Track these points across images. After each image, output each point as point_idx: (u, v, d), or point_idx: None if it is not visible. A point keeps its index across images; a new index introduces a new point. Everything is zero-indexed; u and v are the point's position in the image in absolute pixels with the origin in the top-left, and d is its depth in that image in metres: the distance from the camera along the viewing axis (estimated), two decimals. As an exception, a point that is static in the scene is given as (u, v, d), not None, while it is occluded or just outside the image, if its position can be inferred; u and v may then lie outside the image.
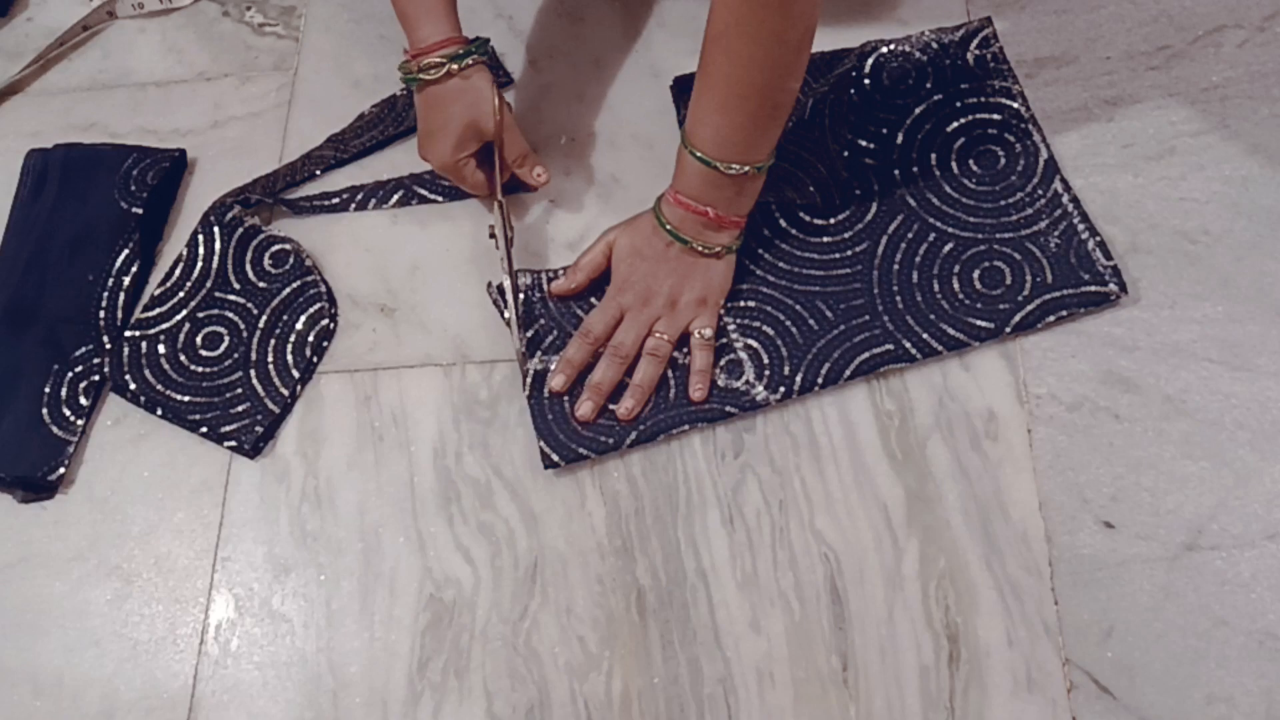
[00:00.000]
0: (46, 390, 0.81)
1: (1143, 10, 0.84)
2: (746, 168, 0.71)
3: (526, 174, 0.80)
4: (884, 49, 0.81)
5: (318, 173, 0.88)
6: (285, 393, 0.79)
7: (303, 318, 0.82)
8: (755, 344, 0.75)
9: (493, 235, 0.80)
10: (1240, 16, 0.82)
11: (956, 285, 0.75)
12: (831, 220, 0.79)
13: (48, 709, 0.72)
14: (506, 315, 0.78)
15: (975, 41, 0.82)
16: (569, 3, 0.94)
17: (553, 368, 0.76)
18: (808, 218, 0.79)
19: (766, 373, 0.74)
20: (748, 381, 0.74)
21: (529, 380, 0.76)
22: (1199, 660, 0.63)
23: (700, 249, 0.74)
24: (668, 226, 0.74)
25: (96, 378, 0.82)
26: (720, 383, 0.74)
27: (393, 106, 0.90)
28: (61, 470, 0.79)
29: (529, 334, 0.78)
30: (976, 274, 0.75)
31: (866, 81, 0.81)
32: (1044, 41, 0.84)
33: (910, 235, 0.77)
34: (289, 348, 0.81)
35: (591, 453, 0.73)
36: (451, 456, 0.76)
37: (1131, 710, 0.63)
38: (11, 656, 0.74)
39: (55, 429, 0.80)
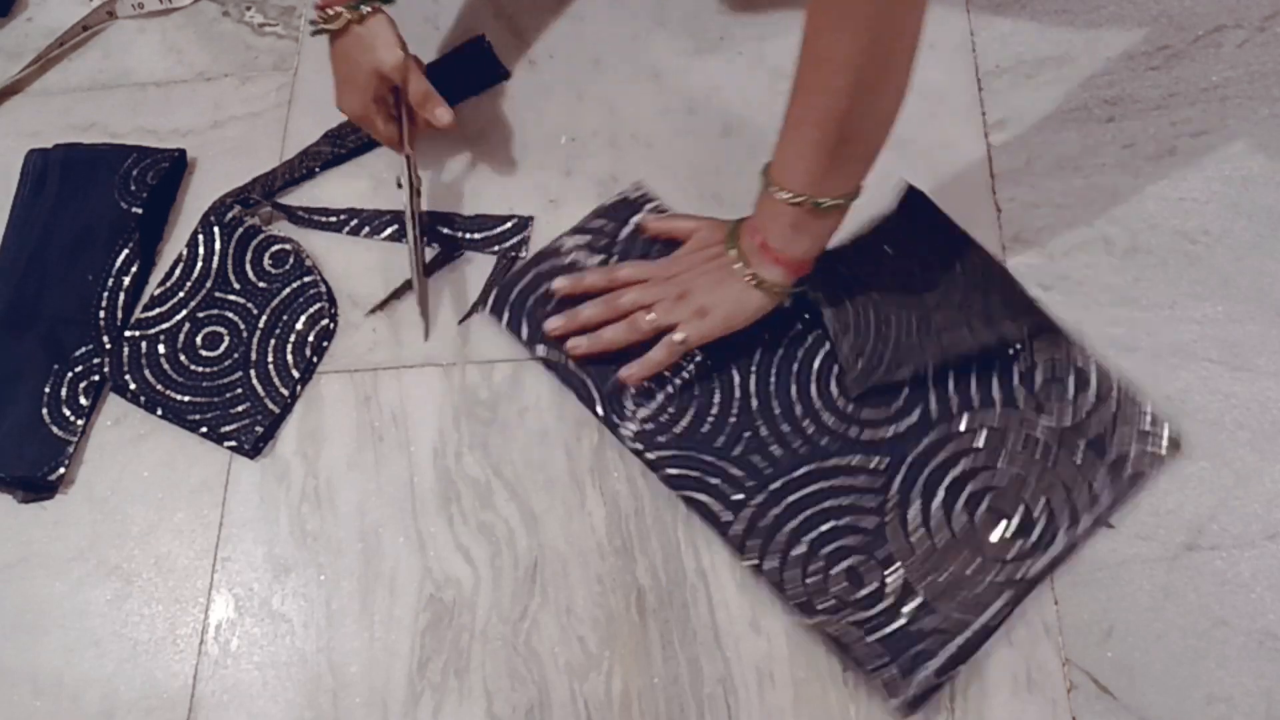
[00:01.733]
0: (46, 390, 0.81)
1: (1143, 10, 0.84)
2: (801, 198, 0.66)
3: (429, 114, 0.80)
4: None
5: (316, 170, 0.88)
6: (285, 393, 0.79)
7: (303, 318, 0.82)
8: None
9: (400, 185, 0.81)
10: (1240, 16, 0.82)
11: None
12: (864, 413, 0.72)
13: (48, 709, 0.72)
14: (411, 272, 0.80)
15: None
16: (569, 2, 0.94)
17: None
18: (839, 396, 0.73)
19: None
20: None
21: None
22: (1199, 660, 0.63)
23: (749, 274, 0.71)
24: (738, 246, 0.72)
25: (96, 378, 0.82)
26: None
27: (392, 106, 0.90)
28: (61, 470, 0.79)
29: (602, 223, 0.80)
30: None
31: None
32: (1044, 41, 0.84)
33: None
34: (289, 348, 0.81)
35: (523, 341, 0.76)
36: (451, 456, 0.76)
37: (1131, 710, 0.63)
38: (11, 656, 0.74)
39: (55, 429, 0.80)
